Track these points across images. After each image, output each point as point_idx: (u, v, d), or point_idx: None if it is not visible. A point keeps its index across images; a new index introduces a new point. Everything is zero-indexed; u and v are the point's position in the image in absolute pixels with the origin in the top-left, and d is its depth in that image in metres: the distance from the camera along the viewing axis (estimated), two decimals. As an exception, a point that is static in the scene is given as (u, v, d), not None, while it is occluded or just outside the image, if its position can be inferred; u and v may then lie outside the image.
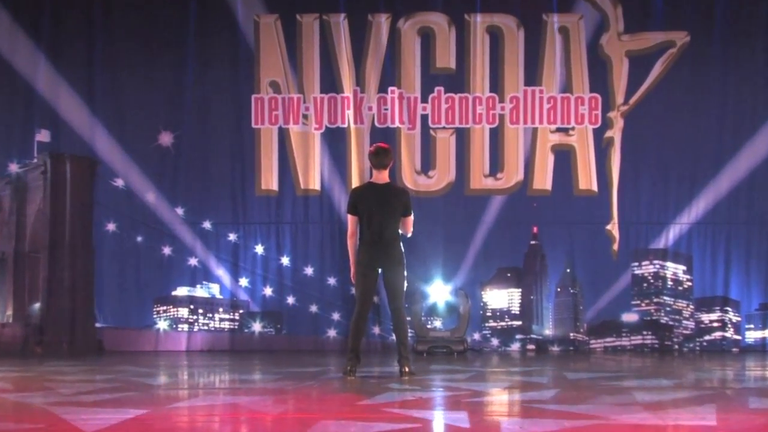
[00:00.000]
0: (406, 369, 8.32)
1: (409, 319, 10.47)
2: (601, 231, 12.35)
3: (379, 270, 8.39)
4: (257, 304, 12.53)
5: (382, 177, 8.46)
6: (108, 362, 10.32)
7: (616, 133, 12.35)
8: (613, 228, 12.33)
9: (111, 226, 12.39)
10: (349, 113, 12.41)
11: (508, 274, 12.51)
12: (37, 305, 12.01)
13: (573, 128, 12.38)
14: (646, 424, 5.35)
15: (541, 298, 12.41)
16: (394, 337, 8.67)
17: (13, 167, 12.46)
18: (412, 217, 8.50)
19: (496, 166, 12.41)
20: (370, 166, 8.60)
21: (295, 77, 12.48)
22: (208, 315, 12.48)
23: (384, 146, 8.64)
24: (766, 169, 12.25)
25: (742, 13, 12.37)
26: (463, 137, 12.45)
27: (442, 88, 12.45)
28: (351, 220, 8.43)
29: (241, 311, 12.51)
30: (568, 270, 12.42)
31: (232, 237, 12.50)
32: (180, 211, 12.47)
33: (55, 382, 7.84)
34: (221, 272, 12.54)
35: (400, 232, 8.46)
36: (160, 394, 7.21)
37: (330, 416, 5.82)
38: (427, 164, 12.44)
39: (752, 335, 12.23)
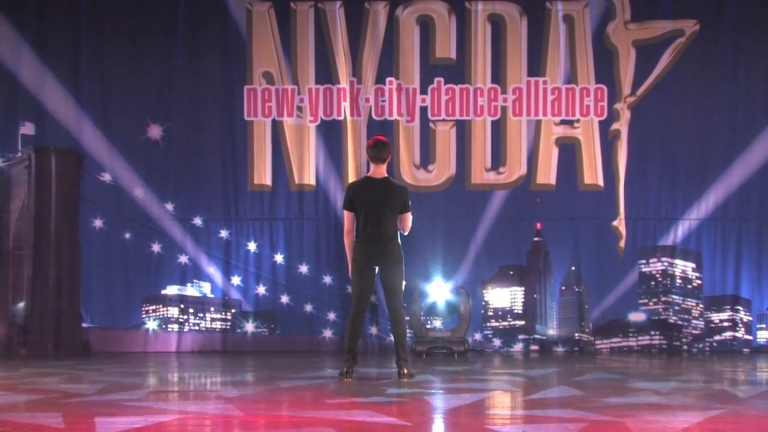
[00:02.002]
0: (405, 371, 8.39)
1: (407, 318, 10.54)
2: (608, 227, 12.38)
3: (377, 268, 8.46)
4: (250, 304, 12.57)
5: (380, 171, 8.52)
6: (96, 364, 10.38)
7: (622, 126, 12.39)
8: (620, 224, 12.38)
9: (98, 223, 12.43)
10: (346, 105, 12.46)
11: (511, 272, 12.54)
12: (21, 304, 12.04)
13: (578, 120, 12.43)
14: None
15: (545, 297, 12.46)
16: (392, 337, 8.75)
17: (-4, 161, 12.51)
18: (410, 214, 8.56)
19: (498, 160, 12.45)
20: (368, 159, 8.66)
21: (289, 68, 12.52)
22: (198, 315, 12.52)
23: (382, 139, 8.71)
24: (778, 163, 12.32)
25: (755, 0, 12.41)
26: (463, 130, 12.48)
27: (441, 79, 12.49)
28: (347, 217, 8.49)
29: (233, 311, 12.56)
30: (573, 268, 12.46)
31: (223, 233, 12.54)
32: (170, 206, 12.50)
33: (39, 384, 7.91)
34: (212, 270, 12.56)
35: (398, 228, 8.53)
36: (150, 397, 7.28)
37: (325, 420, 5.89)
38: (427, 158, 12.48)
39: (764, 335, 12.28)
